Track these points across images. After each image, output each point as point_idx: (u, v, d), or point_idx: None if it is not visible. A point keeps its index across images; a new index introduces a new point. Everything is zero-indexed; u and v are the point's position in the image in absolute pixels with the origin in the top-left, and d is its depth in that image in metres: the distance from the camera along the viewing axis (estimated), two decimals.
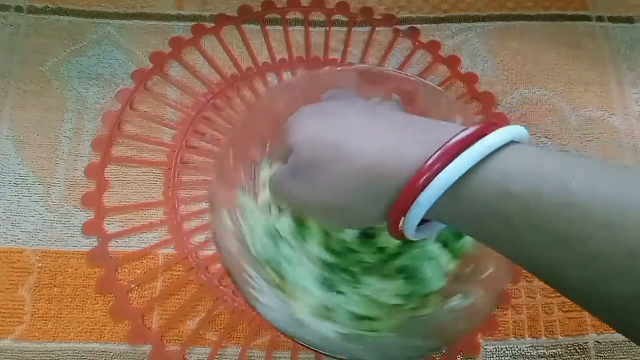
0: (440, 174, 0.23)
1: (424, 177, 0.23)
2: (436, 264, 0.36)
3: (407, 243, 0.36)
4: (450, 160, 0.23)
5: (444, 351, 0.39)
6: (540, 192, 0.21)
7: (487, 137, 0.23)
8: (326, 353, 0.31)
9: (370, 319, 0.36)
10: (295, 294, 0.36)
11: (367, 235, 0.37)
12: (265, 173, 0.39)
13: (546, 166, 0.22)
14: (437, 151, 0.23)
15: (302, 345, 0.31)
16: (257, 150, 0.38)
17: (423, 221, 0.25)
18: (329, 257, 0.36)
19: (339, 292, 0.36)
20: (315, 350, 0.31)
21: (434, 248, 0.36)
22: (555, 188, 0.21)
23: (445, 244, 0.36)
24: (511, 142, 0.23)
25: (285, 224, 0.37)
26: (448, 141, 0.23)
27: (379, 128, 0.27)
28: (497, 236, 0.23)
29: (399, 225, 0.26)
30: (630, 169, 0.23)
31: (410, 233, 0.26)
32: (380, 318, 0.36)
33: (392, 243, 0.36)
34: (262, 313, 0.31)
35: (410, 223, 0.25)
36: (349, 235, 0.36)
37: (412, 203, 0.24)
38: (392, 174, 0.25)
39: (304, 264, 0.36)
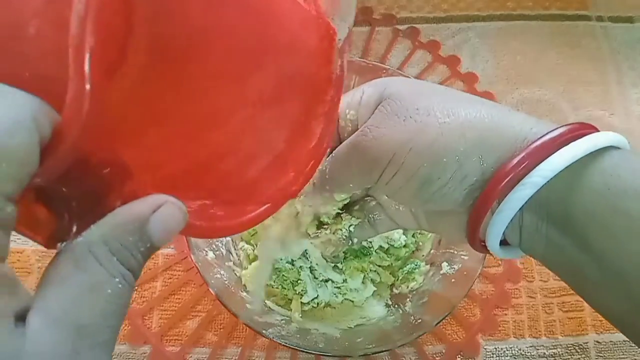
0: (553, 157, 0.22)
1: (534, 154, 0.22)
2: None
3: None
4: (559, 147, 0.22)
5: (443, 351, 0.39)
6: None
7: (595, 134, 0.22)
8: (334, 355, 0.32)
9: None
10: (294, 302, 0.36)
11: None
12: None
13: None
14: (551, 132, 0.22)
15: (313, 353, 0.31)
16: None
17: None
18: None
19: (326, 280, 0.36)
20: (325, 355, 0.31)
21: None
22: None
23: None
24: (612, 148, 0.22)
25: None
26: (556, 128, 0.22)
27: (484, 102, 0.26)
28: (592, 250, 0.22)
29: (480, 230, 0.24)
30: None
31: (499, 228, 0.23)
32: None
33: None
34: (272, 335, 0.31)
35: (504, 214, 0.23)
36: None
37: (517, 175, 0.22)
38: (502, 138, 0.23)
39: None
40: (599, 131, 0.23)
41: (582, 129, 0.22)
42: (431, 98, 0.25)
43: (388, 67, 0.38)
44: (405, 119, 0.24)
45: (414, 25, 0.51)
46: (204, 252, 0.34)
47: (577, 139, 0.22)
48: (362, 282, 0.37)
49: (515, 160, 0.22)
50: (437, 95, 0.26)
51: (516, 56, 0.50)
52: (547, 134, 0.22)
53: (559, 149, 0.22)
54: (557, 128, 0.23)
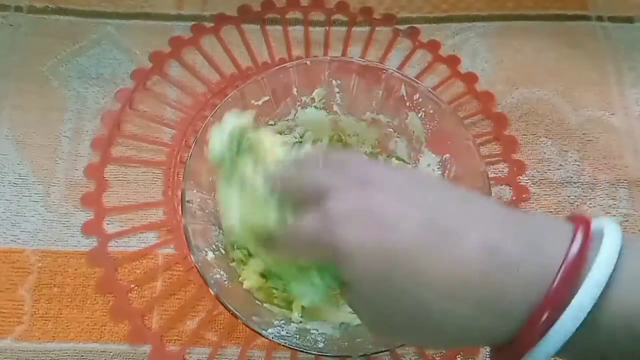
0: (566, 313, 0.19)
1: (550, 310, 0.19)
2: None
3: None
4: (571, 289, 0.19)
5: (443, 351, 0.39)
6: None
7: (594, 269, 0.19)
8: (334, 355, 0.32)
9: None
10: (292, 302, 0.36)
11: None
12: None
13: None
14: (555, 281, 0.19)
15: (312, 353, 0.31)
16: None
17: None
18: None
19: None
20: (324, 355, 0.31)
21: None
22: None
23: None
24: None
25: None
26: (562, 263, 0.20)
27: (472, 215, 0.22)
28: None
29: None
30: None
31: None
32: None
33: None
34: (271, 335, 0.31)
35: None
36: None
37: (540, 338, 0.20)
38: (516, 292, 0.20)
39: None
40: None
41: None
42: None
43: (388, 67, 0.38)
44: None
45: (414, 25, 0.51)
46: (204, 252, 0.34)
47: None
48: None
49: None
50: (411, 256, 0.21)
51: (516, 56, 0.50)
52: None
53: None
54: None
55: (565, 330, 0.19)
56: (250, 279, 0.36)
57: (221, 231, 0.37)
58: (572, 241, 0.20)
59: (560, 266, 0.19)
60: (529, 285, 0.20)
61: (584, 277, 0.19)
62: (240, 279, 0.36)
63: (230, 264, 0.36)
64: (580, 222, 0.21)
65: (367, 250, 0.21)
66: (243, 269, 0.36)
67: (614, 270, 0.19)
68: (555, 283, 0.19)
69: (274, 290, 0.36)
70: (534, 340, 0.20)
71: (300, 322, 0.35)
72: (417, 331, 0.22)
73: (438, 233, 0.20)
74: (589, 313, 0.19)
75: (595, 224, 0.21)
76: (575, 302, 0.19)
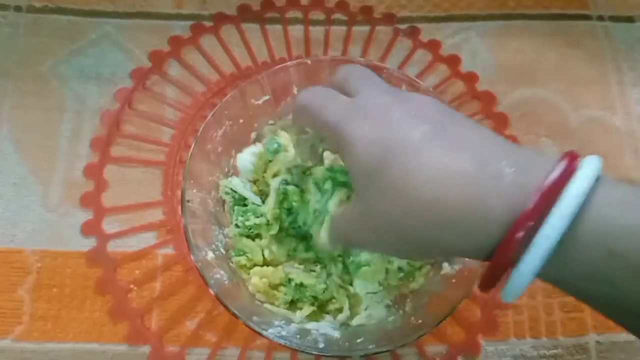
0: (537, 239, 0.20)
1: (522, 234, 0.20)
2: None
3: None
4: (548, 209, 0.20)
5: (444, 351, 0.39)
6: None
7: (574, 183, 0.20)
8: (334, 355, 0.31)
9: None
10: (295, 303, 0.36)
11: None
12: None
13: None
14: (533, 201, 0.20)
15: (313, 354, 0.31)
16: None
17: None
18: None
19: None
20: (325, 355, 0.31)
21: None
22: None
23: None
24: (598, 181, 0.21)
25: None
26: (542, 184, 0.20)
27: (465, 138, 0.23)
28: (600, 297, 0.22)
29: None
30: None
31: (511, 298, 0.22)
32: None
33: None
34: (272, 335, 0.31)
35: (513, 288, 0.21)
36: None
37: (510, 267, 0.21)
38: (499, 202, 0.21)
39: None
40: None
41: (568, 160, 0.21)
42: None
43: (388, 66, 0.38)
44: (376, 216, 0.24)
45: (414, 24, 0.50)
46: (204, 252, 0.34)
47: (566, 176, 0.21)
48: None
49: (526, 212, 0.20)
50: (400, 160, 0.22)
51: (516, 56, 0.50)
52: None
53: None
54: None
55: (545, 243, 0.20)
56: (255, 282, 0.36)
57: (221, 231, 0.37)
58: (556, 166, 0.21)
59: (542, 185, 0.20)
60: (512, 197, 0.20)
61: (562, 197, 0.20)
62: (246, 282, 0.36)
63: (230, 264, 0.36)
64: (568, 154, 0.22)
65: (370, 142, 0.23)
66: (249, 274, 0.36)
67: (590, 192, 0.20)
68: (536, 198, 0.20)
69: (276, 293, 0.36)
70: (514, 251, 0.20)
71: (302, 320, 0.35)
72: (398, 234, 0.23)
73: (438, 145, 0.22)
74: (567, 229, 0.19)
75: (582, 158, 0.22)
76: (553, 215, 0.20)
